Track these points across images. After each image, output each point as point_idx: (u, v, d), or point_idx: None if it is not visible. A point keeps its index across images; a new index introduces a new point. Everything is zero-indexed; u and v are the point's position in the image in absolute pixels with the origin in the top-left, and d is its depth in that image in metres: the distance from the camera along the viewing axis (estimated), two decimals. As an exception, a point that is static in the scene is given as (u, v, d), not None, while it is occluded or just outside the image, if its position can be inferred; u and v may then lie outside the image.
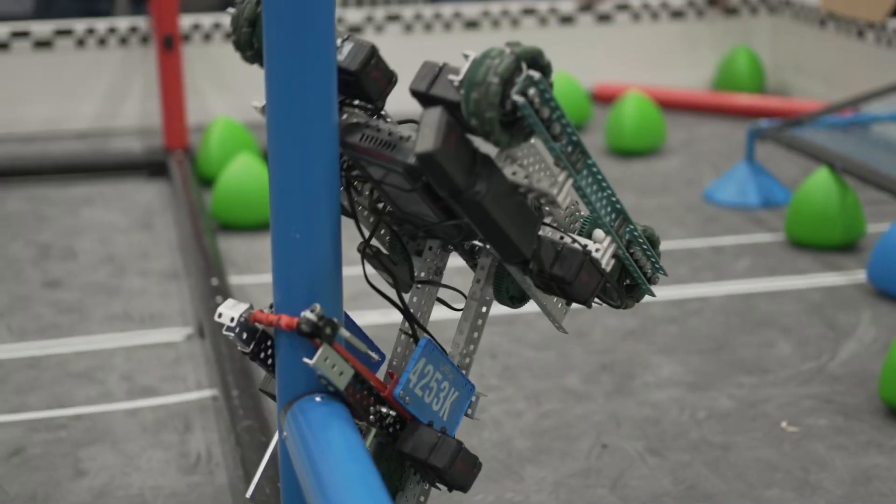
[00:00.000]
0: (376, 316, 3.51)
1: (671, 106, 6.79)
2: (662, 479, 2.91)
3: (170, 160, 5.74)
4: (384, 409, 2.00)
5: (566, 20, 7.10)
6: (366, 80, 1.93)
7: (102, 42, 6.54)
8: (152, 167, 5.86)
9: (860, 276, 4.25)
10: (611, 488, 2.88)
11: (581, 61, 6.88)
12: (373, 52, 1.93)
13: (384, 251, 2.17)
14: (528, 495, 2.86)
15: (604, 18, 7.14)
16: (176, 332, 3.91)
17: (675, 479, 2.91)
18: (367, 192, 2.13)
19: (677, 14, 7.27)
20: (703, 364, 3.57)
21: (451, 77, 1.77)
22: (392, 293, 2.10)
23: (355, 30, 6.68)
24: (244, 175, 5.03)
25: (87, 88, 6.58)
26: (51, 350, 3.80)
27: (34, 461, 3.08)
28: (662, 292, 4.00)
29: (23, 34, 6.46)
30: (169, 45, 5.86)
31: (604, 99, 6.99)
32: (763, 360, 3.59)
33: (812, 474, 2.93)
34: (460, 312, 2.14)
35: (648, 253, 2.02)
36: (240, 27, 1.98)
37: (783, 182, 5.28)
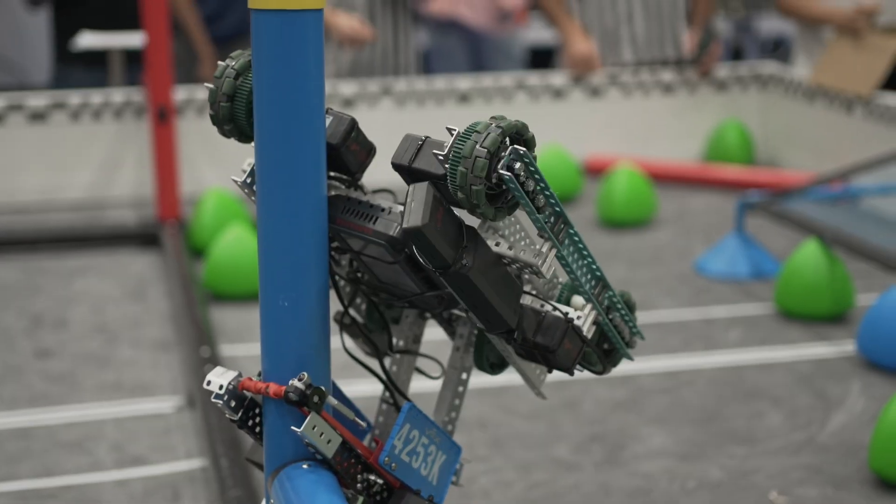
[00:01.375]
0: (364, 386, 3.51)
1: (662, 178, 6.83)
2: (652, 550, 2.91)
3: (162, 231, 5.76)
4: (372, 477, 2.00)
5: (558, 94, 7.16)
6: (346, 153, 1.95)
7: (97, 114, 6.59)
8: (145, 237, 5.88)
9: (849, 346, 4.26)
10: (600, 559, 2.88)
11: (572, 134, 6.93)
12: (352, 125, 1.95)
13: (359, 319, 2.19)
14: (518, 566, 2.85)
15: (595, 92, 7.20)
16: (166, 402, 3.91)
17: (664, 550, 2.91)
18: (344, 263, 2.15)
19: (668, 88, 7.33)
20: (694, 434, 3.57)
21: (436, 151, 1.80)
22: (371, 362, 2.12)
23: (348, 102, 6.73)
24: (236, 246, 5.05)
25: (82, 159, 6.61)
26: (41, 420, 3.79)
27: (22, 531, 3.07)
28: (653, 363, 4.02)
29: (17, 107, 6.50)
30: (163, 116, 5.90)
31: (595, 171, 7.04)
32: (753, 431, 3.60)
33: (801, 545, 2.93)
34: (440, 381, 2.16)
35: (626, 318, 2.04)
36: (217, 101, 2.00)
37: (773, 253, 5.31)
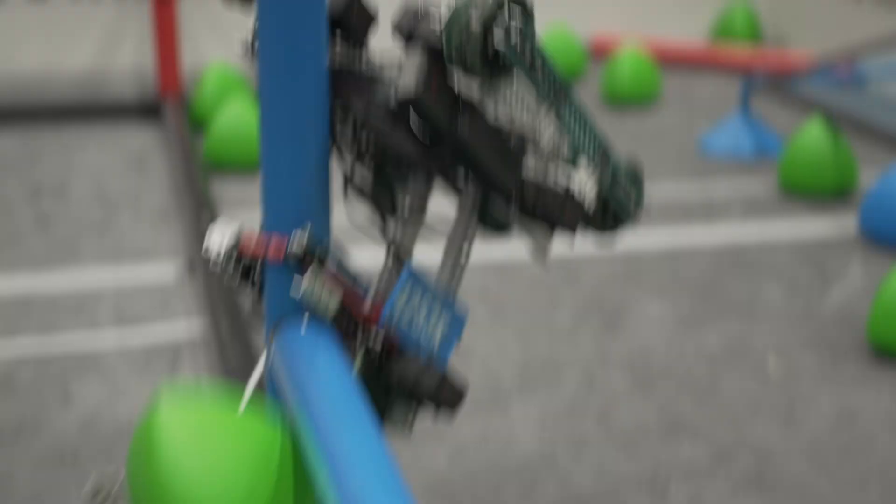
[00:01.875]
0: (365, 252, 3.50)
1: (668, 60, 6.78)
2: (648, 414, 2.93)
3: (164, 104, 5.73)
4: (371, 337, 2.00)
5: (564, -29, 7.07)
6: (350, 20, 1.92)
7: (97, -13, 6.52)
8: (146, 111, 5.85)
9: (851, 223, 4.26)
10: (597, 422, 2.90)
11: (579, 12, 6.85)
12: None
13: (367, 184, 2.17)
14: (514, 428, 2.87)
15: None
16: (167, 269, 3.91)
17: (661, 414, 2.93)
18: (349, 126, 2.12)
19: (675, -34, 7.25)
20: (693, 305, 3.58)
21: (434, 16, 1.77)
22: (375, 227, 2.10)
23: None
24: (238, 118, 5.02)
25: (84, 32, 6.55)
26: (42, 284, 3.80)
27: (23, 391, 3.09)
28: (654, 237, 4.01)
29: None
30: (164, -12, 5.84)
31: (600, 51, 6.97)
32: (753, 303, 3.60)
33: (798, 410, 2.95)
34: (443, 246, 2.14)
35: (631, 186, 2.01)
36: None
37: (777, 133, 5.28)
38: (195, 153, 4.85)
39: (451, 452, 2.75)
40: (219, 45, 6.44)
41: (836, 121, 4.58)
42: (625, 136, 5.40)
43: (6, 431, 2.87)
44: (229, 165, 4.95)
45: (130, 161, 5.17)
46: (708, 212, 4.46)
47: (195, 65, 6.23)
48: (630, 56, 6.04)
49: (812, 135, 4.59)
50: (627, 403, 2.98)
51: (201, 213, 4.04)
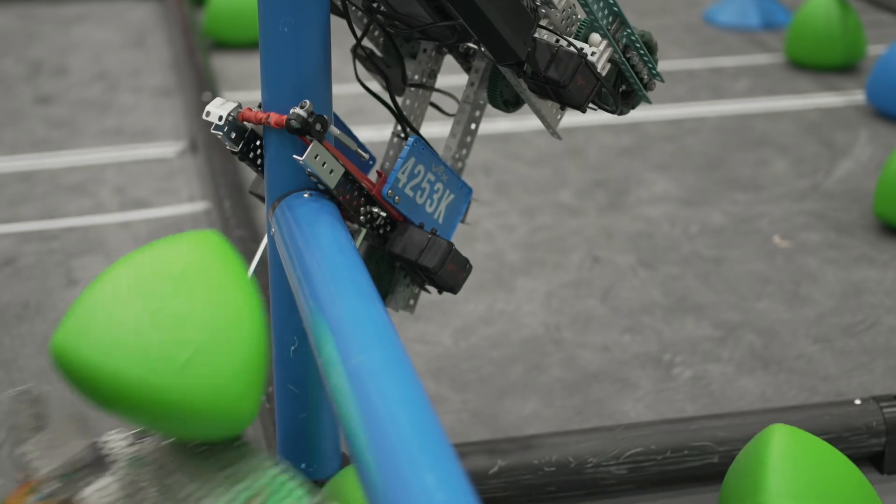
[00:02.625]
0: (370, 132, 3.48)
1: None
2: (653, 291, 2.92)
3: (162, -22, 5.64)
4: (375, 210, 1.97)
5: None
6: None
7: None
8: (144, -15, 5.76)
9: (859, 96, 4.21)
10: (601, 299, 2.89)
11: None
12: None
13: (377, 53, 2.13)
14: (520, 305, 2.87)
15: None
16: (168, 147, 3.88)
17: (665, 291, 2.92)
18: (360, -6, 2.07)
19: None
20: (698, 181, 3.56)
21: None
22: (384, 96, 2.07)
23: None
24: (237, -8, 4.95)
25: None
26: (43, 164, 3.78)
27: (26, 271, 3.08)
28: (659, 111, 3.97)
29: None
30: None
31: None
32: (758, 178, 3.58)
33: (803, 287, 2.94)
34: (453, 118, 2.11)
35: (646, 58, 1.97)
36: None
37: (784, 3, 5.20)
38: (195, 28, 4.79)
39: (456, 331, 2.75)
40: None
41: (845, -9, 4.51)
42: (628, 9, 5.29)
43: (11, 311, 2.87)
44: (229, 41, 4.88)
45: (130, 37, 5.11)
46: (714, 85, 4.41)
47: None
48: (635, -74, 5.93)
49: (820, 5, 4.52)
50: (632, 281, 2.97)
51: (202, 90, 4.00)
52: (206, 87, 4.07)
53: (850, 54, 4.49)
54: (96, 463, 1.57)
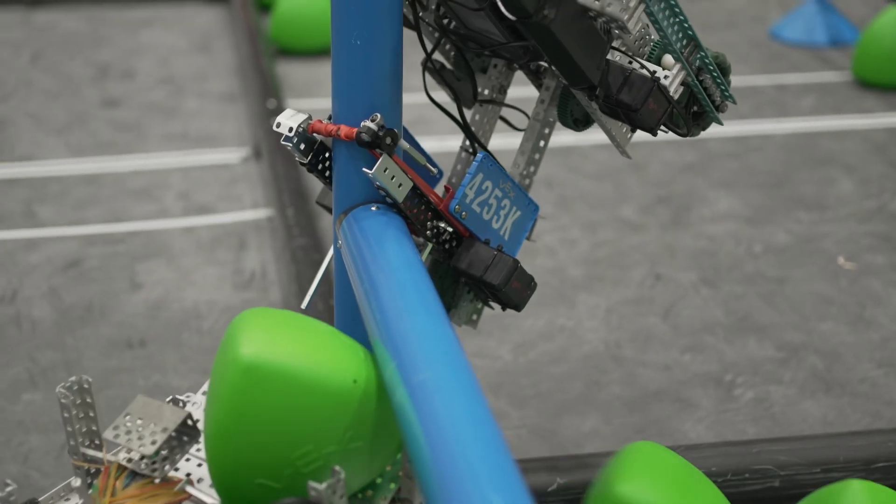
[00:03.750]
0: (433, 142, 3.48)
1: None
2: (715, 310, 2.91)
3: (229, -17, 5.68)
4: (441, 225, 1.97)
5: None
6: None
7: None
8: (211, -9, 5.81)
9: (926, 117, 4.18)
10: (663, 317, 2.88)
11: None
12: None
13: (447, 66, 2.13)
14: (581, 321, 2.86)
15: None
16: (232, 153, 3.91)
17: (727, 310, 2.90)
18: (433, 7, 2.08)
19: None
20: (762, 199, 3.53)
21: None
22: (452, 109, 2.07)
23: None
24: (303, 0, 4.97)
25: None
26: (109, 167, 3.81)
27: (91, 273, 3.11)
28: (723, 128, 3.95)
29: None
30: None
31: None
32: (823, 197, 3.55)
33: (867, 310, 2.91)
34: (522, 134, 2.11)
35: (718, 80, 1.96)
36: None
37: (852, 21, 5.16)
38: (261, 34, 4.82)
39: (516, 346, 2.75)
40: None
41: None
42: (694, 23, 5.27)
43: (75, 313, 2.90)
44: (294, 48, 4.91)
45: (196, 42, 5.15)
46: (779, 102, 4.38)
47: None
48: (702, -60, 5.91)
49: (889, 24, 4.48)
50: (694, 299, 2.96)
51: (266, 97, 4.02)
52: (270, 93, 4.09)
53: (918, 74, 4.45)
54: (190, 433, 1.59)
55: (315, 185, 3.41)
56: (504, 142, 2.25)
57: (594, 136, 3.66)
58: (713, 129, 2.01)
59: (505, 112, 2.18)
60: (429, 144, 2.61)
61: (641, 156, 3.78)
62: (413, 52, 1.89)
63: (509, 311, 2.62)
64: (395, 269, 1.74)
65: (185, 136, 4.08)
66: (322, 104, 4.28)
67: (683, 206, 3.48)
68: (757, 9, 5.60)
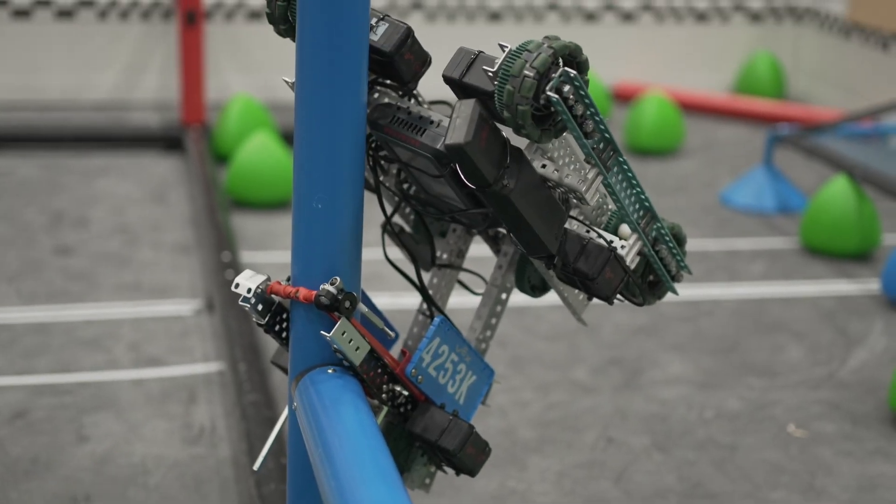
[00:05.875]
0: (386, 299, 3.49)
1: (691, 108, 6.78)
2: (667, 476, 2.90)
3: (186, 135, 5.73)
4: (397, 388, 1.97)
5: (590, 17, 7.08)
6: (400, 62, 1.90)
7: (125, 15, 6.53)
8: (168, 141, 5.85)
9: (874, 285, 4.23)
10: (615, 481, 2.87)
11: (603, 59, 6.85)
12: (408, 33, 1.89)
13: (407, 230, 2.15)
14: (532, 484, 2.85)
15: (628, 17, 7.12)
16: (185, 305, 3.90)
17: (680, 476, 2.90)
18: (393, 172, 2.10)
19: (701, 17, 7.25)
20: (714, 364, 3.56)
21: (486, 67, 1.75)
22: (411, 273, 2.08)
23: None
24: (261, 153, 5.02)
25: (107, 60, 6.58)
26: (59, 316, 3.79)
27: (38, 424, 3.07)
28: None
29: (45, 3, 6.45)
30: (192, 20, 5.84)
31: (624, 97, 6.97)
32: (773, 364, 3.58)
33: (818, 479, 2.92)
34: (479, 297, 2.12)
35: (674, 251, 1.99)
36: (274, 0, 1.95)
37: (800, 188, 5.26)
38: (217, 186, 4.85)
39: (468, 508, 2.73)
40: (243, 78, 6.46)
41: (861, 179, 4.56)
42: (647, 186, 5.33)
43: (20, 466, 2.85)
44: (250, 201, 4.94)
45: (151, 191, 5.17)
46: (730, 267, 4.43)
47: (219, 97, 6.24)
48: (654, 102, 6.03)
49: (836, 193, 4.57)
50: (646, 464, 2.95)
51: (221, 249, 4.03)
52: (225, 245, 4.10)
53: (865, 242, 4.53)
54: None
55: (268, 340, 3.40)
56: (461, 300, 2.26)
57: (549, 297, 3.69)
58: (651, 305, 2.03)
59: (462, 276, 2.20)
60: (383, 301, 2.62)
61: (595, 317, 3.80)
62: (371, 208, 1.91)
63: (465, 474, 2.60)
64: (350, 434, 1.74)
65: (137, 286, 4.07)
66: (276, 257, 4.29)
67: (636, 369, 3.50)
68: (707, 174, 5.71)
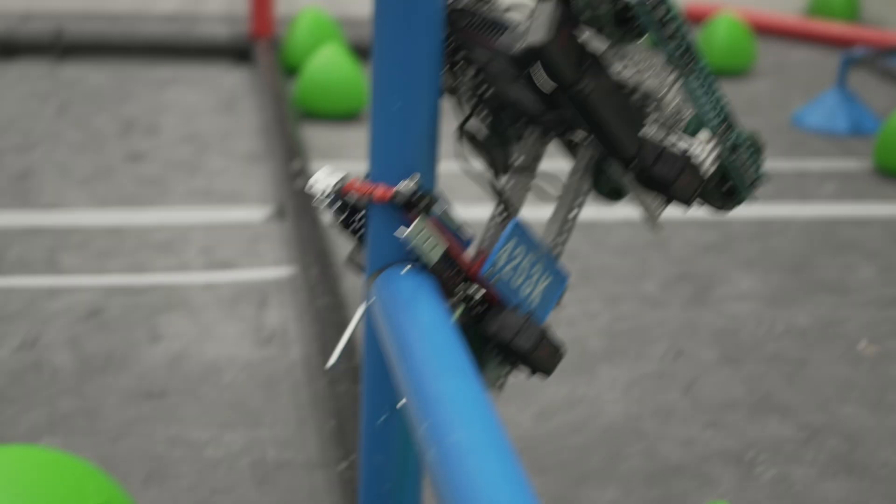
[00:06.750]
0: (460, 209, 3.48)
1: (763, 30, 6.69)
2: (736, 388, 2.90)
3: (255, 47, 5.73)
4: (471, 289, 1.98)
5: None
6: None
7: (195, -76, 6.52)
8: (237, 53, 5.86)
9: (948, 208, 4.19)
10: (683, 392, 2.87)
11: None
12: None
13: (482, 134, 2.15)
14: (601, 392, 2.85)
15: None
16: (255, 212, 3.92)
17: (749, 389, 2.90)
18: (470, 75, 2.10)
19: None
20: (784, 281, 3.54)
21: None
22: (486, 177, 2.08)
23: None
24: (330, 65, 5.01)
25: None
26: (132, 220, 3.83)
27: (112, 323, 3.11)
28: (745, 210, 3.96)
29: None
30: (262, -70, 5.82)
31: (696, 18, 6.89)
32: (844, 282, 3.55)
33: (889, 395, 2.90)
34: (553, 204, 2.11)
35: (752, 159, 1.98)
36: None
37: (874, 111, 5.19)
38: (286, 98, 4.85)
39: (536, 414, 2.74)
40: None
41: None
42: (718, 106, 5.33)
43: (96, 363, 2.90)
44: (319, 113, 4.94)
45: (220, 102, 5.18)
46: (801, 187, 4.39)
47: (288, 10, 6.23)
48: (725, 23, 5.96)
49: (911, 115, 4.51)
50: (716, 376, 2.95)
51: (291, 158, 4.04)
52: (295, 155, 4.11)
53: (939, 165, 4.47)
54: None
55: (338, 247, 3.42)
56: (533, 214, 2.26)
57: (617, 211, 3.68)
58: (736, 211, 2.01)
59: (537, 181, 2.19)
60: (465, 209, 2.62)
61: (664, 233, 3.79)
62: (444, 121, 1.90)
63: (531, 379, 2.62)
64: (426, 330, 1.75)
65: (208, 193, 4.10)
66: (345, 168, 4.30)
67: (705, 284, 3.48)
68: (779, 96, 5.64)
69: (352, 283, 3.27)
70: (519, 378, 2.13)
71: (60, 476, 1.47)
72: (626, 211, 3.95)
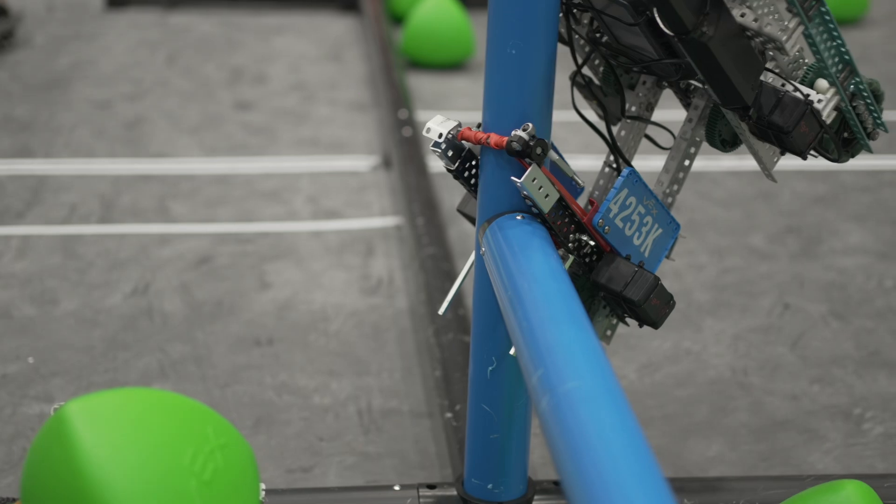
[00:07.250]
0: (571, 160, 3.47)
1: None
2: (845, 343, 2.87)
3: (361, -5, 5.74)
4: (584, 238, 1.98)
5: None
6: None
7: None
8: (344, 1, 5.87)
9: None
10: (791, 347, 2.85)
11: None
12: None
13: (596, 81, 2.14)
14: (707, 346, 2.84)
15: None
16: (362, 161, 3.94)
17: (857, 344, 2.86)
18: (586, 21, 2.08)
19: None
20: (895, 235, 3.48)
21: None
22: (598, 125, 2.07)
23: None
24: (437, 14, 5.01)
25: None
26: (239, 168, 3.87)
27: (221, 271, 3.16)
28: (856, 161, 3.89)
29: None
30: None
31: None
32: (959, 237, 3.49)
33: None
34: (665, 154, 2.10)
35: (872, 107, 1.94)
36: None
37: None
38: (392, 46, 4.86)
39: (641, 366, 2.74)
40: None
41: None
42: (828, 56, 5.24)
43: (206, 309, 2.95)
44: (425, 61, 4.95)
45: (327, 51, 5.21)
46: (913, 139, 4.32)
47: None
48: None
49: None
50: (824, 331, 2.92)
51: (397, 107, 4.05)
52: (401, 104, 4.12)
53: None
54: None
55: (445, 197, 3.44)
56: (644, 164, 2.25)
57: (725, 161, 3.64)
58: (847, 162, 1.99)
59: (650, 130, 2.18)
60: (577, 161, 2.61)
61: (772, 185, 3.75)
62: (563, 67, 1.89)
63: (635, 332, 2.62)
64: (540, 278, 1.75)
65: (315, 142, 4.13)
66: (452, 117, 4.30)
67: (814, 237, 3.44)
68: (893, 44, 5.52)
69: (457, 233, 3.28)
70: (624, 330, 2.14)
71: (181, 417, 1.50)
72: (733, 161, 3.92)
